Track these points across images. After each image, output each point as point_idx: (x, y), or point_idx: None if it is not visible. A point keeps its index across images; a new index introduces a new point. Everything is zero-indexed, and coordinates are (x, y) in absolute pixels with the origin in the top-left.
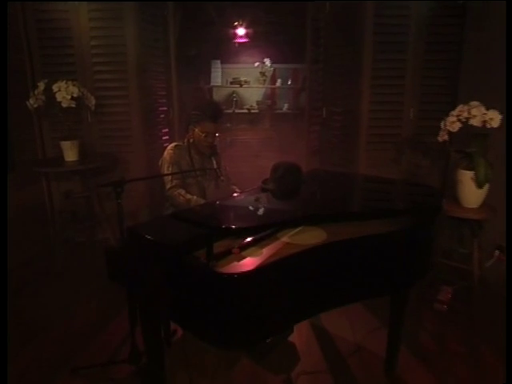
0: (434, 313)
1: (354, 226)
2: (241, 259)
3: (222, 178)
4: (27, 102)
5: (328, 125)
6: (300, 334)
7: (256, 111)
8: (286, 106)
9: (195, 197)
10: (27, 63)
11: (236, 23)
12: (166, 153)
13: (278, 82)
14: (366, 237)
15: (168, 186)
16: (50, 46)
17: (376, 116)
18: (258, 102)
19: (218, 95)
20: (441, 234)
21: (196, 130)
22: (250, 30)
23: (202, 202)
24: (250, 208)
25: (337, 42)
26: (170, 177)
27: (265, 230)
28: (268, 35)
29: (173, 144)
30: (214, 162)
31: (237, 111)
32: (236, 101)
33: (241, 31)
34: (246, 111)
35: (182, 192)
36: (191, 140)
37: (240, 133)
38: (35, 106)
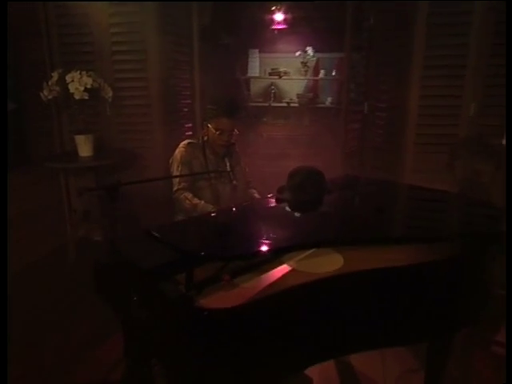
0: (490, 356)
1: (382, 251)
2: (231, 288)
3: (234, 182)
4: (41, 94)
5: (370, 122)
6: (319, 367)
7: (296, 105)
8: (329, 99)
9: (202, 202)
10: (46, 52)
11: (273, 8)
12: (177, 151)
13: (321, 73)
14: (397, 268)
15: (175, 187)
16: (68, 33)
17: (427, 112)
18: (298, 95)
19: (256, 87)
20: (500, 261)
21: (210, 126)
22: (289, 16)
23: (210, 208)
24: (254, 223)
25: (383, 25)
26: (178, 178)
27: (263, 257)
28: (309, 21)
29: (186, 141)
30: (228, 164)
31: (274, 105)
32: (274, 93)
33: (279, 16)
34: (284, 105)
35: (189, 196)
36: (206, 138)
37: (276, 129)
38: (49, 97)
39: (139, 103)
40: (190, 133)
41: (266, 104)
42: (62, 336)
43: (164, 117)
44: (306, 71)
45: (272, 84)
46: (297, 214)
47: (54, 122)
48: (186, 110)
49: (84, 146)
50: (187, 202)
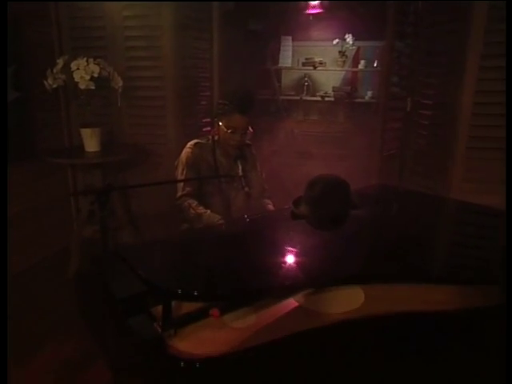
0: None
1: (415, 288)
2: (220, 328)
3: (246, 188)
4: (45, 82)
5: (413, 121)
6: None
7: (331, 99)
8: (369, 93)
9: (208, 212)
10: (54, 36)
11: None
12: (183, 151)
13: (361, 64)
14: (431, 313)
15: (178, 193)
16: (79, 16)
17: (483, 111)
18: (334, 89)
19: (287, 79)
20: None
21: (221, 124)
22: None
23: (217, 219)
24: (259, 246)
25: (432, 7)
26: (183, 182)
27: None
28: (349, 4)
29: (193, 141)
30: (240, 167)
31: (307, 98)
32: (308, 86)
33: None
34: (318, 99)
35: (193, 204)
36: (216, 137)
37: (307, 125)
38: (54, 86)
39: (153, 95)
40: (208, 128)
41: (298, 97)
42: (50, 352)
43: (180, 110)
44: (344, 62)
45: (305, 75)
46: (314, 235)
47: (61, 114)
48: (203, 103)
49: (90, 141)
50: (191, 210)
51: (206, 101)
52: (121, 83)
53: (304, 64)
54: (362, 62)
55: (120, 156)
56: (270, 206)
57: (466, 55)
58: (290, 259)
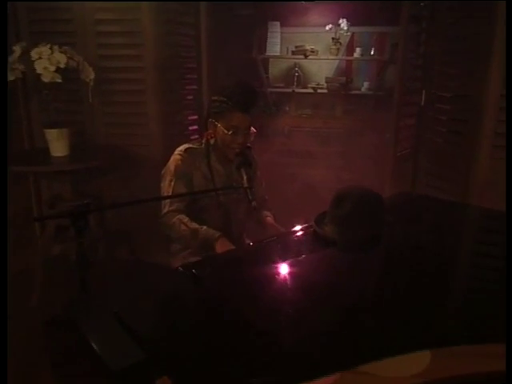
0: None
1: None
2: None
3: (254, 203)
4: None
5: (428, 117)
6: None
7: (324, 91)
8: (366, 84)
9: (205, 227)
10: (10, 18)
11: None
12: (171, 159)
13: (357, 52)
14: None
15: (165, 209)
16: None
17: None
18: (327, 79)
19: (276, 69)
20: None
21: (219, 125)
22: None
23: (216, 235)
24: (272, 292)
25: None
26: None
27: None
28: None
29: (183, 146)
30: (245, 177)
31: (298, 90)
32: (298, 76)
33: None
34: (310, 91)
35: (185, 219)
36: (212, 141)
37: (300, 120)
38: (11, 78)
39: (131, 89)
40: (195, 127)
41: (289, 90)
42: None
43: (163, 107)
44: (338, 49)
45: (296, 65)
46: (346, 265)
47: (20, 112)
48: (190, 97)
49: (57, 144)
50: (182, 227)
51: (193, 95)
52: (92, 75)
53: (294, 52)
54: (358, 49)
55: (93, 161)
56: (270, 219)
57: (493, 40)
58: (322, 314)
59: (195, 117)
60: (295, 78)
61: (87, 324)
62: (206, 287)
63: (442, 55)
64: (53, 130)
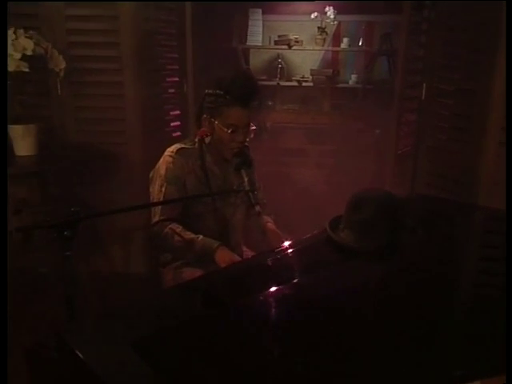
0: None
1: None
2: None
3: (257, 207)
4: None
5: (430, 112)
6: None
7: (310, 84)
8: (353, 77)
9: (201, 236)
10: None
11: None
12: (161, 161)
13: (344, 43)
14: None
15: (155, 217)
16: None
17: None
18: (313, 72)
19: (257, 60)
20: None
21: (216, 122)
22: None
23: (215, 245)
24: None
25: None
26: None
27: None
28: None
29: (175, 146)
30: (246, 179)
31: (282, 84)
32: (282, 68)
33: None
34: (295, 84)
35: (178, 228)
36: (207, 139)
37: (285, 116)
38: None
39: (106, 80)
40: (178, 123)
41: (272, 83)
42: None
43: (141, 100)
44: (324, 39)
45: (279, 56)
46: (372, 281)
47: None
48: (171, 91)
49: (22, 142)
50: (176, 237)
51: (175, 88)
52: (63, 64)
53: (277, 42)
54: (345, 40)
55: (63, 161)
56: (271, 225)
57: (499, 30)
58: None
59: (177, 112)
60: (278, 70)
61: (92, 351)
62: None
63: (444, 46)
64: (17, 126)
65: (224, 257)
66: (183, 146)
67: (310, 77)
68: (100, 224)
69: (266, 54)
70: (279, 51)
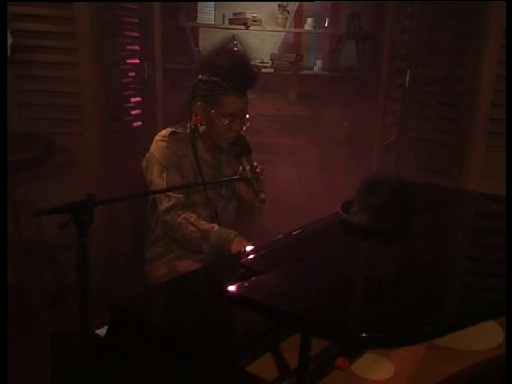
0: None
1: None
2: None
3: (262, 194)
4: None
5: (414, 101)
6: None
7: (269, 70)
8: (318, 63)
9: (217, 226)
10: None
11: None
12: (153, 146)
13: (308, 24)
14: None
15: (163, 204)
16: None
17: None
18: (273, 56)
19: (209, 41)
20: None
21: (212, 111)
22: None
23: (233, 234)
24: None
25: None
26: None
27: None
28: None
29: (166, 131)
30: (247, 167)
31: None
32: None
33: None
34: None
35: (193, 218)
36: (201, 128)
37: (249, 107)
38: None
39: (57, 60)
40: (138, 111)
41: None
42: None
43: (98, 85)
44: (286, 19)
45: (234, 37)
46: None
47: None
48: (132, 74)
49: None
50: (190, 227)
51: (136, 72)
52: (10, 40)
53: (231, 21)
54: (309, 20)
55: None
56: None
57: (487, 15)
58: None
59: (138, 99)
60: None
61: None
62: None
63: (429, 30)
64: None
65: (240, 247)
66: (175, 130)
67: (270, 62)
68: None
69: (218, 35)
70: (234, 31)
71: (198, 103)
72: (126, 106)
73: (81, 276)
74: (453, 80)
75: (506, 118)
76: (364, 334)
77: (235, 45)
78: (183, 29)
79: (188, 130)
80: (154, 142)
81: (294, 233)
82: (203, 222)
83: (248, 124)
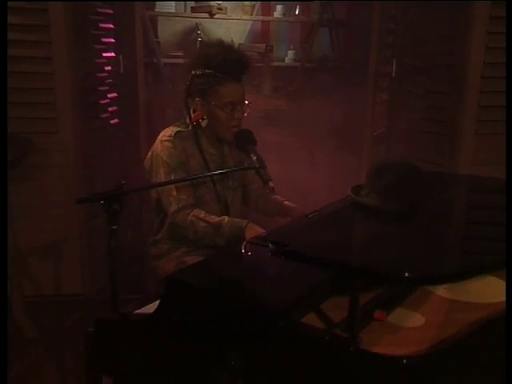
0: None
1: None
2: (392, 332)
3: (271, 183)
4: None
5: (402, 90)
6: None
7: None
8: (290, 54)
9: (227, 218)
10: None
11: None
12: (158, 147)
13: (278, 11)
14: None
15: (173, 207)
16: None
17: (498, 73)
18: (241, 47)
19: (169, 31)
20: None
21: (212, 103)
22: None
23: (244, 223)
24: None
25: None
26: (172, 191)
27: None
28: None
29: (171, 130)
30: (254, 157)
31: None
32: (201, 42)
33: None
34: None
35: (202, 214)
36: (203, 123)
37: None
38: None
39: (30, 54)
40: (115, 108)
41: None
42: None
43: (73, 80)
44: (253, 7)
45: (197, 27)
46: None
47: None
48: (108, 68)
49: None
50: (201, 223)
51: (112, 66)
52: None
53: (194, 9)
54: (279, 7)
55: None
56: (288, 202)
57: (474, 3)
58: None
59: (114, 94)
60: (198, 44)
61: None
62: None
63: (416, 18)
64: None
65: (253, 233)
66: (179, 129)
67: None
68: None
69: (179, 24)
70: (197, 20)
71: (196, 99)
72: (103, 102)
73: (111, 261)
74: (439, 68)
75: (506, 116)
76: (407, 275)
77: (199, 35)
78: (143, 18)
79: (189, 127)
80: (158, 142)
81: (310, 216)
82: (213, 217)
83: (248, 110)
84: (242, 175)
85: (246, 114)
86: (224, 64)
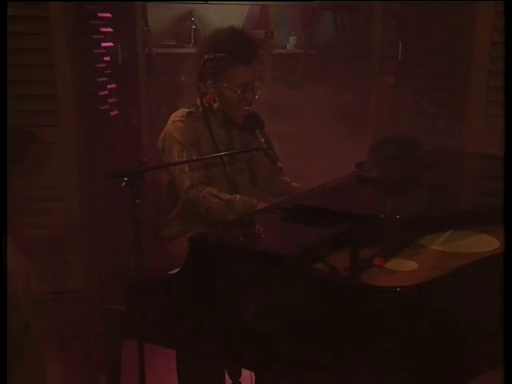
0: None
1: None
2: (389, 274)
3: (279, 162)
4: None
5: (408, 73)
6: None
7: None
8: (292, 40)
9: (238, 196)
10: None
11: None
12: (171, 127)
13: None
14: None
15: (186, 183)
16: None
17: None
18: None
19: (160, 18)
20: None
21: (224, 85)
22: None
23: (255, 201)
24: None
25: None
26: (185, 168)
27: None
28: None
29: (182, 111)
30: (262, 139)
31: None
32: (196, 30)
33: None
34: None
35: (214, 191)
36: (215, 105)
37: None
38: None
39: (30, 46)
40: (114, 99)
41: (184, 50)
42: None
43: (73, 72)
44: None
45: (191, 13)
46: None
47: None
48: (107, 59)
49: None
50: (214, 199)
51: (112, 56)
52: None
53: None
54: None
55: None
56: (296, 184)
57: None
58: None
59: (113, 85)
60: (192, 33)
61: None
62: None
63: None
64: None
65: None
66: (190, 109)
67: None
68: None
69: (171, 11)
70: (191, 6)
71: (209, 81)
72: (101, 94)
73: (135, 233)
74: (446, 49)
75: (505, 116)
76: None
77: (193, 22)
78: (132, 5)
79: (200, 108)
80: (170, 122)
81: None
82: (225, 194)
83: (259, 92)
84: (249, 157)
85: (257, 97)
86: (235, 47)
